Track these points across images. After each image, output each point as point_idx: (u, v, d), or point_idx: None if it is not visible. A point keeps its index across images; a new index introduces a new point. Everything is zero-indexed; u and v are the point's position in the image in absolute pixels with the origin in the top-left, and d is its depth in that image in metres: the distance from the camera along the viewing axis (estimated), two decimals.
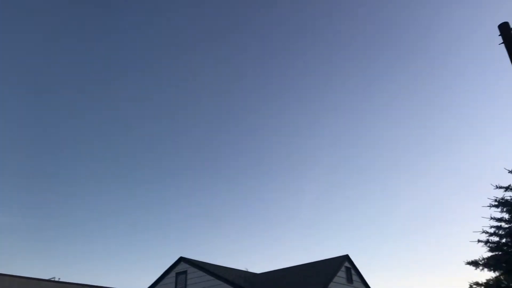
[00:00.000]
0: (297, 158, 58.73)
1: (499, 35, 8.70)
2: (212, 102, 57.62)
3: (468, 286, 26.52)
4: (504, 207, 17.35)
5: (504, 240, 17.27)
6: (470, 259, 17.29)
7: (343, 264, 25.04)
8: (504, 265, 16.24)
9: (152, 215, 58.49)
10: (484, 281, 18.52)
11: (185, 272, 25.50)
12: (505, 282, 17.66)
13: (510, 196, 17.54)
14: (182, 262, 25.97)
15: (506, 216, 17.39)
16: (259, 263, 63.24)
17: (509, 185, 17.64)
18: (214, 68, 54.97)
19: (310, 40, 55.13)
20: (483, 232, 17.41)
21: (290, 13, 52.97)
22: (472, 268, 17.28)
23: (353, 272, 25.70)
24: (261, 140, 60.62)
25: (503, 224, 17.35)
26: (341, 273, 24.63)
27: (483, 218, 17.85)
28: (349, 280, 25.06)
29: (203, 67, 55.38)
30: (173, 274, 25.94)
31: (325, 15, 52.73)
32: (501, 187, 17.64)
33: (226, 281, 23.72)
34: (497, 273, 17.38)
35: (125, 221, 57.87)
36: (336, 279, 23.76)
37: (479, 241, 17.40)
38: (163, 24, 55.41)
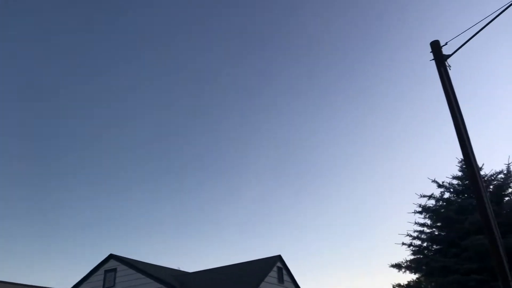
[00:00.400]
0: (235, 159, 58.99)
1: (431, 52, 9.28)
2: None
3: (391, 287, 27.83)
4: (426, 213, 18.52)
5: (425, 244, 18.44)
6: (394, 262, 18.29)
7: (275, 264, 25.44)
8: (424, 267, 17.32)
9: (82, 211, 56.07)
10: (406, 282, 19.64)
11: (114, 270, 24.68)
12: (425, 284, 18.80)
13: (432, 204, 18.80)
14: (111, 260, 25.12)
15: (428, 222, 18.59)
16: (192, 262, 62.66)
17: (432, 194, 18.89)
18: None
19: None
20: (407, 235, 18.51)
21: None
22: (396, 270, 18.30)
23: (284, 272, 26.19)
24: (198, 140, 60.22)
25: (425, 229, 18.53)
26: (273, 273, 25.02)
27: (409, 223, 19.01)
28: (280, 280, 25.52)
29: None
30: (101, 271, 25.01)
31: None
32: (424, 196, 18.86)
33: (157, 279, 23.28)
34: (418, 275, 18.52)
35: (53, 217, 55.01)
36: (267, 279, 24.09)
37: (403, 243, 18.47)
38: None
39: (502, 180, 17.86)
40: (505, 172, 17.79)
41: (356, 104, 54.69)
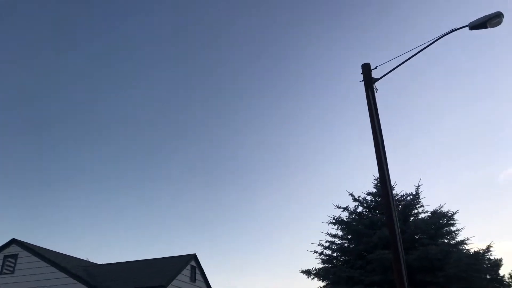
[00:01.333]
0: (154, 154, 57.77)
1: (361, 73, 9.80)
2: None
3: None
4: (339, 225, 19.42)
5: (335, 254, 19.32)
6: (304, 268, 18.95)
7: (189, 263, 25.27)
8: (331, 276, 18.12)
9: None
10: None
11: (15, 256, 23.07)
12: None
13: (346, 216, 19.77)
14: (13, 245, 23.46)
15: (340, 233, 19.50)
16: (104, 254, 60.33)
17: (347, 206, 19.86)
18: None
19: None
20: (320, 245, 19.27)
21: None
22: (305, 276, 18.96)
23: (198, 271, 26.10)
24: (123, 132, 58.21)
25: (337, 240, 19.42)
26: (186, 272, 24.83)
27: (321, 233, 19.82)
28: (193, 279, 25.40)
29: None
30: (1, 256, 23.27)
31: None
32: (340, 207, 19.78)
33: (63, 269, 22.13)
34: (325, 283, 19.31)
35: None
36: (180, 276, 23.85)
37: (314, 251, 19.21)
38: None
39: (410, 200, 19.26)
40: (414, 193, 19.20)
41: (280, 109, 56.05)
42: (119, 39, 53.70)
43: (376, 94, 9.50)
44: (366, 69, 9.72)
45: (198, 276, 26.12)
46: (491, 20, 8.72)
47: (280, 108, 55.90)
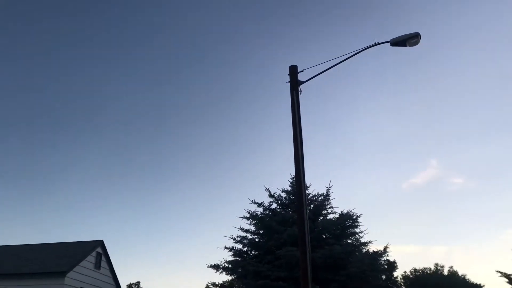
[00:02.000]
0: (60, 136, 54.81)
1: (288, 75, 9.99)
2: None
3: (206, 285, 28.79)
4: (253, 220, 19.75)
5: (245, 249, 19.62)
6: (213, 263, 18.98)
7: (95, 249, 24.23)
8: (239, 270, 18.38)
9: None
10: (221, 282, 20.54)
11: None
12: (237, 286, 19.92)
13: (260, 212, 20.16)
14: None
15: (252, 228, 19.83)
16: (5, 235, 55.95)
17: (262, 202, 20.27)
18: None
19: None
20: (231, 238, 19.45)
21: None
22: (214, 270, 19.00)
23: (103, 258, 25.10)
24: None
25: (249, 235, 19.74)
26: (91, 258, 23.77)
27: (234, 228, 20.01)
28: (98, 266, 24.39)
29: None
30: None
31: None
32: (255, 203, 20.12)
33: None
34: (233, 277, 19.53)
35: None
36: (84, 263, 22.78)
37: (225, 247, 19.34)
38: None
39: (321, 201, 20.11)
40: (325, 194, 20.07)
41: (203, 104, 55.82)
42: None
43: (300, 97, 9.76)
44: (293, 71, 9.93)
45: (104, 264, 25.13)
46: (410, 40, 9.33)
47: (203, 103, 55.60)
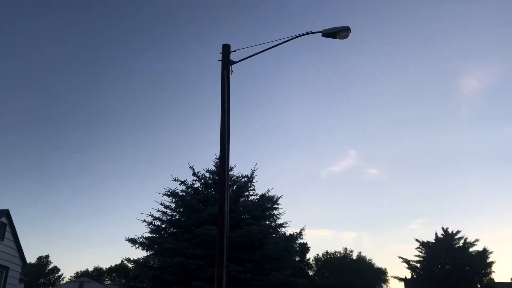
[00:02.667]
0: None
1: (221, 53, 9.90)
2: None
3: (120, 260, 28.15)
4: (174, 198, 19.54)
5: (164, 226, 19.40)
6: (131, 236, 18.56)
7: None
8: (156, 246, 18.17)
9: None
10: (136, 258, 20.16)
11: None
12: (152, 262, 19.71)
13: (182, 190, 19.97)
14: None
15: (173, 205, 19.64)
16: None
17: (185, 180, 20.08)
18: None
19: None
20: (150, 215, 19.11)
21: None
22: (130, 244, 18.61)
23: (8, 229, 23.55)
24: None
25: (168, 212, 19.52)
26: None
27: (155, 202, 19.65)
28: (1, 237, 22.88)
29: None
30: None
31: None
32: (178, 180, 19.88)
33: None
34: (149, 253, 19.26)
35: None
36: None
37: (144, 221, 18.97)
38: None
39: (244, 182, 20.37)
40: (248, 176, 20.34)
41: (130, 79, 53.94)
42: None
43: (231, 77, 9.71)
44: (226, 50, 9.84)
45: (8, 235, 23.57)
46: (341, 32, 9.62)
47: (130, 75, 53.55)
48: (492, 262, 34.44)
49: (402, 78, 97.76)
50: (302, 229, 19.51)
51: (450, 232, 35.06)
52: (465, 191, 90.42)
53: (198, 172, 20.28)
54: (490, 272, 35.47)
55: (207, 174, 20.38)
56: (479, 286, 33.90)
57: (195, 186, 20.32)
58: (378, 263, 76.65)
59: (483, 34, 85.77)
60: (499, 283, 35.70)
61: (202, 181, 20.43)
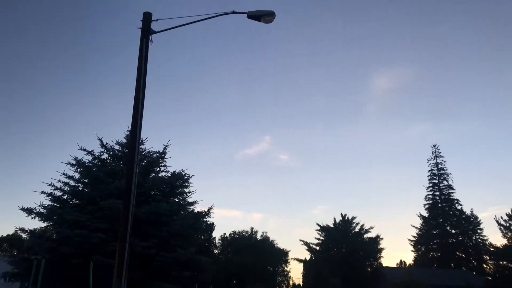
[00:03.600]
0: None
1: (141, 21, 9.46)
2: None
3: (14, 230, 26.26)
4: (79, 168, 18.56)
5: (66, 196, 18.38)
6: (25, 206, 17.27)
7: None
8: (55, 217, 17.19)
9: None
10: (32, 228, 18.81)
11: None
12: (50, 233, 18.66)
13: (89, 160, 19.01)
14: None
15: (77, 176, 18.65)
16: None
17: (92, 151, 19.13)
18: None
19: None
20: (51, 184, 17.95)
21: None
22: (25, 214, 17.34)
23: None
24: None
25: (71, 182, 18.50)
26: None
27: (57, 172, 18.47)
28: None
29: None
30: None
31: None
32: (84, 150, 18.88)
33: None
34: (47, 223, 18.13)
35: None
36: None
37: (43, 192, 17.76)
38: None
39: (155, 158, 19.92)
40: (161, 152, 19.92)
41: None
42: None
43: (151, 47, 9.33)
44: (147, 18, 9.42)
45: None
46: (266, 17, 9.68)
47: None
48: (382, 248, 37.64)
49: (320, 72, 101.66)
50: (210, 208, 19.66)
51: (347, 218, 37.55)
52: (366, 182, 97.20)
53: (107, 143, 19.46)
54: (380, 257, 38.80)
55: (117, 147, 19.64)
56: (369, 269, 36.87)
57: (103, 157, 19.48)
58: (282, 244, 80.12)
59: (395, 35, 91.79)
60: (387, 267, 39.18)
61: (111, 153, 19.65)
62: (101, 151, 19.37)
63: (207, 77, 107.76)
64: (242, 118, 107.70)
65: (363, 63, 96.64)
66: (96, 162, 19.05)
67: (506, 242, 21.67)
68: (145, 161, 19.54)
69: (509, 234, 21.64)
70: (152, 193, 18.62)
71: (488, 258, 24.41)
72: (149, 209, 16.58)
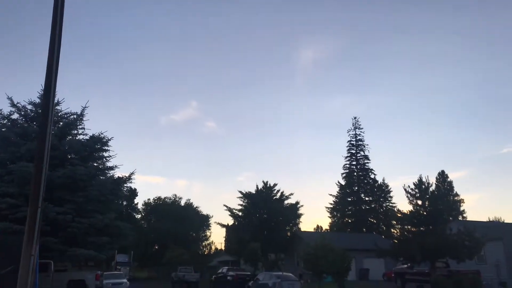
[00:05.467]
0: None
1: None
2: None
3: None
4: None
5: None
6: None
7: None
8: None
9: None
10: None
11: None
12: None
13: None
14: None
15: None
16: None
17: (1, 110, 17.65)
18: None
19: None
20: None
21: None
22: None
23: None
24: None
25: None
26: None
27: None
28: None
29: None
30: None
31: None
32: None
33: None
34: None
35: None
36: None
37: None
38: None
39: (72, 120, 18.80)
40: (78, 114, 18.81)
41: None
42: None
43: None
44: None
45: None
46: None
47: None
48: (301, 214, 39.33)
49: (249, 40, 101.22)
50: (132, 173, 19.18)
51: (269, 185, 38.59)
52: (290, 151, 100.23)
53: (18, 103, 18.02)
54: (299, 222, 40.60)
55: (29, 106, 18.27)
56: (288, 234, 38.51)
57: (13, 117, 18.05)
58: (207, 210, 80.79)
59: (322, 7, 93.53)
60: (304, 231, 41.23)
61: (23, 113, 18.24)
62: (11, 111, 17.93)
63: (133, 37, 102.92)
64: (168, 82, 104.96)
65: (291, 33, 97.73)
66: (5, 122, 17.62)
67: (412, 209, 23.51)
68: (61, 123, 18.42)
69: (415, 201, 23.46)
70: (69, 156, 17.70)
71: (395, 223, 26.49)
72: (65, 173, 15.77)
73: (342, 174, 53.55)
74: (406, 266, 24.60)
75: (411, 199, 23.60)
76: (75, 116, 18.77)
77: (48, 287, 15.17)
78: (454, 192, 49.23)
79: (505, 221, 41.53)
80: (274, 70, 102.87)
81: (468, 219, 43.57)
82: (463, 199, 50.03)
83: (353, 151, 53.90)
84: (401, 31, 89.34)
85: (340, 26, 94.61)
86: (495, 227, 31.35)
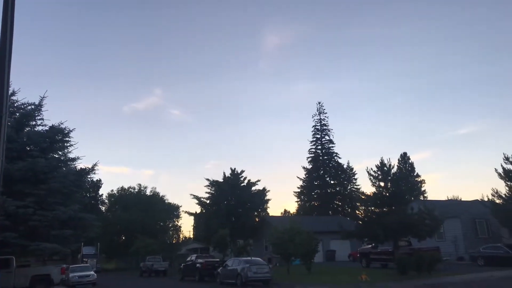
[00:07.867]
0: None
1: None
2: None
3: None
4: None
5: None
6: None
7: None
8: None
9: None
10: None
11: None
12: None
13: None
14: None
15: None
16: None
17: None
18: None
19: None
20: None
21: None
22: None
23: None
24: None
25: None
26: None
27: None
28: None
29: None
30: None
31: None
32: None
33: None
34: None
35: None
36: None
37: None
38: None
39: (30, 110, 18.13)
40: (36, 104, 18.14)
41: None
42: None
43: None
44: None
45: None
46: None
47: None
48: (269, 199, 39.72)
49: (213, 25, 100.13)
50: (95, 164, 18.78)
51: (236, 172, 38.69)
52: (256, 137, 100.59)
53: None
54: (266, 208, 40.98)
55: None
56: (257, 219, 38.86)
57: None
58: (174, 199, 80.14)
59: None
60: (272, 216, 41.72)
61: None
62: None
63: (93, 23, 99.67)
64: (131, 69, 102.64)
65: (255, 18, 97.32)
66: None
67: (375, 190, 24.20)
68: (17, 114, 17.73)
69: (377, 183, 24.16)
70: (28, 148, 17.09)
71: (359, 205, 27.24)
72: (24, 165, 15.25)
73: (308, 158, 54.36)
74: (370, 246, 25.40)
75: (374, 181, 24.27)
76: (32, 107, 18.11)
77: (10, 283, 14.76)
78: (416, 173, 50.97)
79: (462, 199, 43.40)
80: (239, 55, 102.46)
81: (429, 198, 45.35)
82: (424, 180, 51.93)
83: (318, 136, 54.71)
84: (364, 17, 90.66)
85: (304, 11, 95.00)
86: (453, 206, 32.78)
